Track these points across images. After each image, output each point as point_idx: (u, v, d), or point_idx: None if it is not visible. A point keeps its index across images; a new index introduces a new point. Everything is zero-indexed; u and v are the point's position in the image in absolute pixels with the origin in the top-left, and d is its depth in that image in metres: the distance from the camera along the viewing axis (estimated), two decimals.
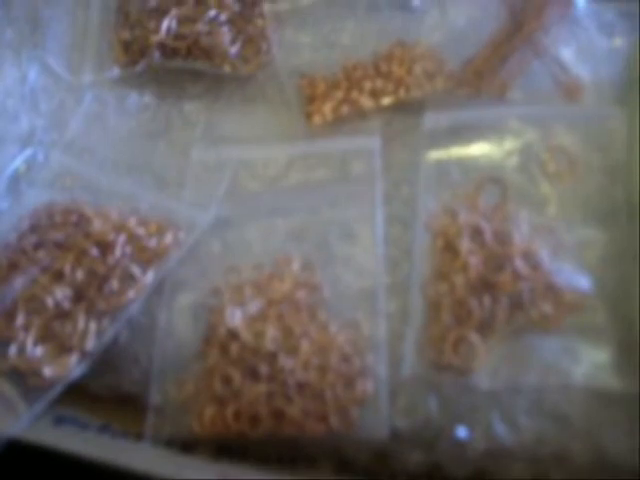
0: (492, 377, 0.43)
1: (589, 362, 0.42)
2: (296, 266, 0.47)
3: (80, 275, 0.45)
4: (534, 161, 0.49)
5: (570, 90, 0.51)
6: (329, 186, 0.51)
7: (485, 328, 0.44)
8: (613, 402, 0.42)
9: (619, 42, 0.53)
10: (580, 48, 0.53)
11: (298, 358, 0.43)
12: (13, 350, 0.43)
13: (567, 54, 0.53)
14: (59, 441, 0.41)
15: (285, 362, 0.43)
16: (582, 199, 0.48)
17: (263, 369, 0.43)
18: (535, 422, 0.42)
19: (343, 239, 0.49)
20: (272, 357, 0.43)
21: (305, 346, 0.44)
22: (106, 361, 0.45)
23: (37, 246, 0.46)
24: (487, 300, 0.44)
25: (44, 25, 0.60)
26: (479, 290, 0.44)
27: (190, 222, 0.49)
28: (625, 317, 0.43)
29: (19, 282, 0.45)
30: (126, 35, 0.58)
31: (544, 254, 0.45)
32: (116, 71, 0.58)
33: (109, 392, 0.46)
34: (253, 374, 0.43)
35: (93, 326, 0.43)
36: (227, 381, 0.43)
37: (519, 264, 0.45)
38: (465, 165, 0.49)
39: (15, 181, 0.53)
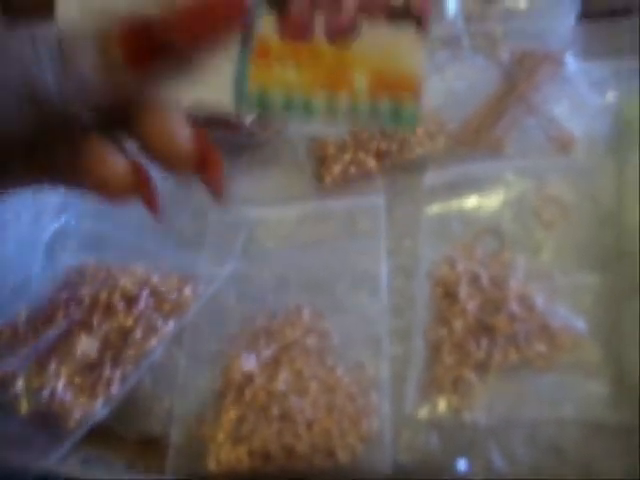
0: (489, 413, 0.45)
1: (583, 396, 0.45)
2: (307, 314, 0.51)
3: (107, 327, 0.49)
4: (529, 211, 0.52)
5: (562, 144, 0.54)
6: (338, 241, 0.54)
7: (483, 367, 0.46)
8: (606, 434, 0.44)
9: (609, 98, 0.56)
10: (572, 104, 0.57)
11: (307, 398, 0.46)
12: (46, 394, 0.47)
13: (560, 110, 0.56)
14: (87, 475, 0.45)
15: (295, 402, 0.46)
16: (575, 246, 0.51)
17: (275, 409, 0.46)
18: (531, 454, 0.44)
19: (351, 289, 0.52)
20: (283, 398, 0.46)
21: (314, 387, 0.47)
22: (130, 404, 0.48)
23: (69, 302, 0.50)
24: (484, 342, 0.47)
25: None
26: (477, 332, 0.47)
27: (208, 276, 0.53)
28: (617, 354, 0.45)
29: (53, 334, 0.49)
30: None
31: (539, 297, 0.48)
32: None
33: (133, 433, 0.49)
34: (266, 414, 0.46)
35: (118, 372, 0.47)
36: (242, 421, 0.46)
37: (514, 307, 0.47)
38: (464, 217, 0.53)
39: (51, 245, 0.58)
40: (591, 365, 0.46)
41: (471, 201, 0.53)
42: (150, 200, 0.37)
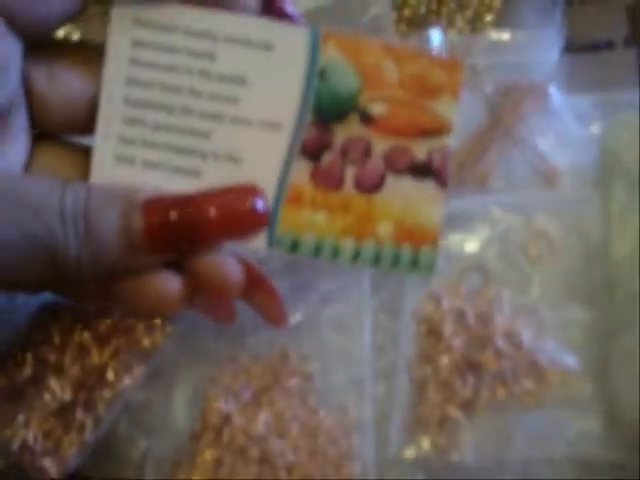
0: (478, 452, 0.44)
1: (574, 434, 0.43)
2: (289, 356, 0.49)
3: (78, 369, 0.47)
4: (515, 246, 0.51)
5: (548, 177, 0.54)
6: (322, 282, 0.53)
7: (469, 406, 0.45)
8: (599, 471, 0.42)
9: (594, 130, 0.55)
10: (558, 137, 0.56)
11: (288, 441, 0.45)
12: (15, 446, 0.45)
13: (545, 143, 0.55)
14: None
15: (275, 445, 0.45)
16: (563, 280, 0.49)
17: (254, 452, 0.44)
18: None
19: (335, 331, 0.50)
20: (263, 440, 0.45)
21: (295, 430, 0.45)
22: (106, 448, 0.46)
23: (41, 343, 0.48)
24: (471, 379, 0.45)
25: None
26: (463, 370, 0.46)
27: (185, 313, 0.51)
28: (608, 389, 0.44)
29: (24, 375, 0.47)
30: None
31: (526, 333, 0.47)
32: None
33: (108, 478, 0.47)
34: (244, 457, 0.45)
35: (91, 416, 0.45)
36: (219, 464, 0.45)
37: (501, 343, 0.46)
38: (449, 253, 0.51)
39: None
40: (582, 401, 0.44)
41: (456, 237, 0.52)
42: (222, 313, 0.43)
